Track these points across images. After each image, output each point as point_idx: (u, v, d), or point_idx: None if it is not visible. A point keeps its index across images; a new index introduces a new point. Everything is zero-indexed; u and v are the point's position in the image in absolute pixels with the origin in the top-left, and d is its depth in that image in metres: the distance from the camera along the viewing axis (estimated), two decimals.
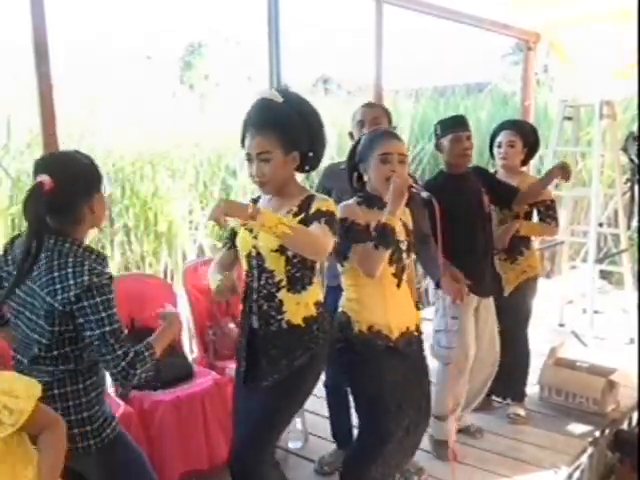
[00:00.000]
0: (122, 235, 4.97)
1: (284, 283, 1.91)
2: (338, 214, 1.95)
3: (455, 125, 2.77)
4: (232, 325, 3.00)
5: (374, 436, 2.16)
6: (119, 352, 1.55)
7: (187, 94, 11.34)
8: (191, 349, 3.18)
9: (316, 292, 1.97)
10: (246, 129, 1.91)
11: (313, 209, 1.85)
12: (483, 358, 2.92)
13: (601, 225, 5.10)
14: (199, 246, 5.20)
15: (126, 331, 1.61)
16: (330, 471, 2.76)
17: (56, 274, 1.55)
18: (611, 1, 4.22)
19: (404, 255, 2.16)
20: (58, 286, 1.54)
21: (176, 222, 5.07)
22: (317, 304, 1.96)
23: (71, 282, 1.53)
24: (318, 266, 1.97)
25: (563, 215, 5.11)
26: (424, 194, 2.11)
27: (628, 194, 5.04)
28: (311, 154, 1.94)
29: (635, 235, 5.19)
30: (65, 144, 4.59)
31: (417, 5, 4.16)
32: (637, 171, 4.90)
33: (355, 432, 2.43)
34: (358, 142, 2.20)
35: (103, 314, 1.54)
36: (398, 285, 2.16)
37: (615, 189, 4.97)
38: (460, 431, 3.00)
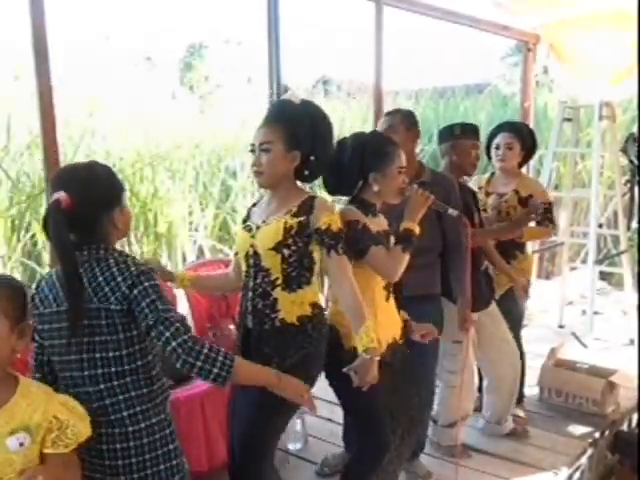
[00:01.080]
0: None
1: (279, 281, 1.90)
2: (344, 219, 1.98)
3: (477, 134, 2.82)
4: (232, 327, 3.00)
5: (373, 447, 2.15)
6: (178, 324, 1.48)
7: (187, 95, 11.33)
8: None
9: (313, 292, 1.95)
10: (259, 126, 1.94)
11: (322, 223, 1.85)
12: (500, 361, 2.94)
13: (601, 226, 5.10)
14: (199, 247, 5.20)
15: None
16: (330, 473, 2.76)
17: (101, 279, 1.50)
18: (611, 3, 4.22)
19: None
20: (107, 289, 1.48)
21: (176, 223, 5.07)
22: (313, 305, 1.94)
23: (119, 279, 1.49)
24: (317, 268, 1.95)
25: (563, 216, 5.11)
26: (452, 212, 2.12)
27: (628, 195, 5.04)
28: (313, 158, 1.93)
29: (635, 236, 5.19)
30: (65, 146, 4.62)
31: (416, 7, 4.16)
32: (637, 172, 4.91)
33: None
34: (362, 149, 2.11)
35: (154, 296, 1.48)
36: (387, 298, 2.15)
37: (615, 190, 4.98)
38: None
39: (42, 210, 3.68)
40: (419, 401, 2.33)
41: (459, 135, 2.79)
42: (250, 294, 1.96)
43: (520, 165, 3.24)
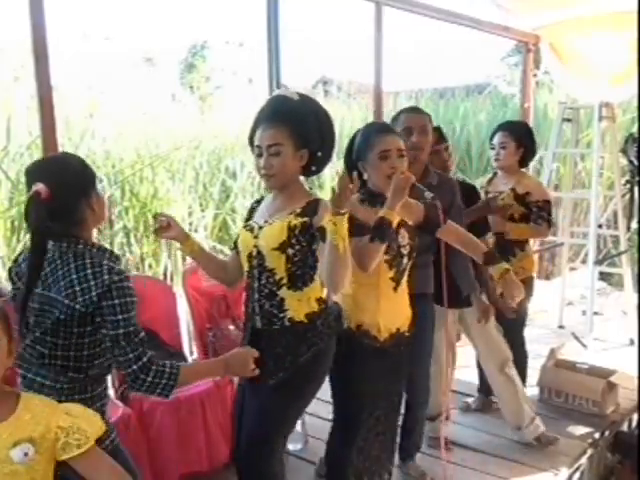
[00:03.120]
0: (122, 237, 4.98)
1: (285, 281, 1.90)
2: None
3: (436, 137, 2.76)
4: (232, 327, 3.00)
5: (345, 420, 2.20)
6: (130, 355, 1.53)
7: (188, 96, 11.34)
8: (190, 351, 3.18)
9: (318, 288, 1.95)
10: (258, 124, 1.91)
11: (325, 222, 1.80)
12: (491, 357, 2.93)
13: (600, 227, 5.10)
14: None
15: (143, 334, 1.57)
16: None
17: (74, 276, 1.53)
18: (611, 3, 4.22)
19: (405, 260, 2.14)
20: (78, 288, 1.52)
21: None
22: (319, 300, 1.95)
23: (92, 283, 1.52)
24: (319, 263, 1.93)
25: (563, 217, 5.11)
26: (427, 194, 2.10)
27: (627, 196, 5.04)
28: (320, 154, 1.94)
29: (634, 237, 5.19)
30: (65, 146, 4.62)
31: (416, 7, 4.16)
32: (636, 173, 4.91)
33: None
34: (353, 139, 2.18)
35: (119, 316, 1.53)
36: (395, 289, 2.14)
37: (614, 191, 4.98)
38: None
39: None
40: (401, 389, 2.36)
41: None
42: (256, 295, 1.95)
43: (521, 164, 3.23)
